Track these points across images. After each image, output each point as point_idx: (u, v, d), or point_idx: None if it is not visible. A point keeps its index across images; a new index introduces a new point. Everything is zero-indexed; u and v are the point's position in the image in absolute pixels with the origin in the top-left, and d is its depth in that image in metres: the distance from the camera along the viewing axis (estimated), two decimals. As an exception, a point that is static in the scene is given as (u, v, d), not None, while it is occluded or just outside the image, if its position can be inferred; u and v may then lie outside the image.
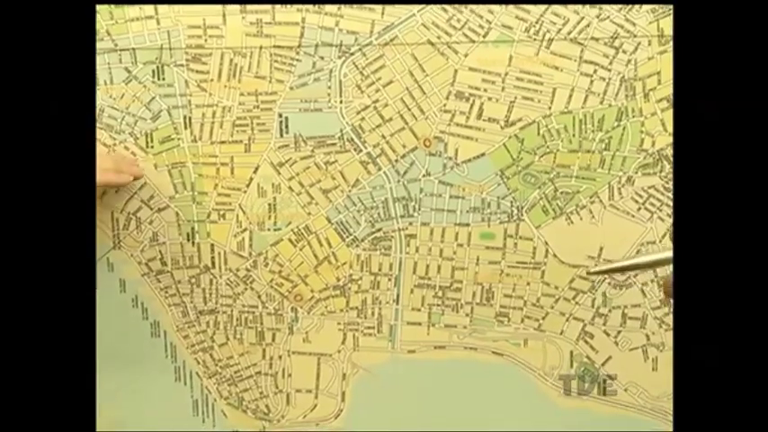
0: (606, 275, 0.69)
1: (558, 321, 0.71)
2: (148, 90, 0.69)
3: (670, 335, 0.70)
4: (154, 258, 0.72)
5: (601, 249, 0.70)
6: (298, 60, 0.69)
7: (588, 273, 0.68)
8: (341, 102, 0.69)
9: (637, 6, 0.67)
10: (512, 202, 0.70)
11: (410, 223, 0.71)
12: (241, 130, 0.70)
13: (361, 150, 0.70)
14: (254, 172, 0.70)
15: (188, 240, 0.71)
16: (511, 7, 0.67)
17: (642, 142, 0.68)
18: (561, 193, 0.69)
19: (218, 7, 0.68)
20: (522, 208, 0.70)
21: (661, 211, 0.69)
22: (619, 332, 0.71)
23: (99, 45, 0.67)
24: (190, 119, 0.69)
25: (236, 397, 0.74)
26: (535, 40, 0.68)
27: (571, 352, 0.72)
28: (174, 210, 0.71)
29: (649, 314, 0.70)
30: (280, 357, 0.73)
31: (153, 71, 0.69)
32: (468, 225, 0.70)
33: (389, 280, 0.71)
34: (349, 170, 0.70)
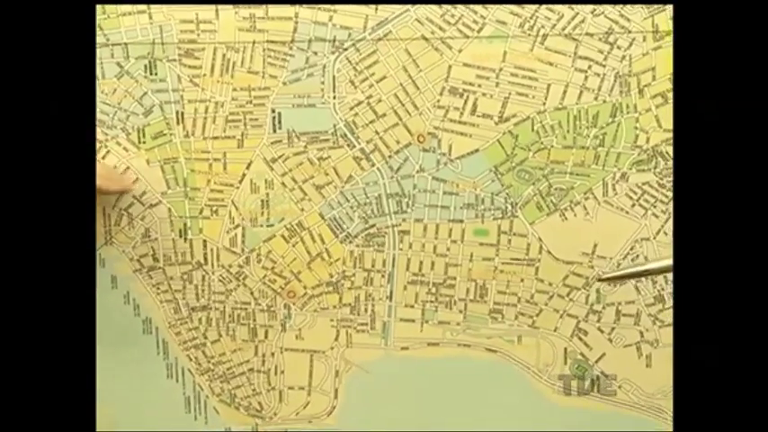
0: (617, 282, 0.69)
1: (551, 318, 0.71)
2: (140, 85, 0.69)
3: (664, 331, 0.70)
4: (146, 254, 0.71)
5: (595, 246, 0.70)
6: (291, 56, 0.68)
7: (599, 279, 0.68)
8: (334, 97, 0.69)
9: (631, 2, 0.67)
10: (506, 198, 0.70)
11: (403, 219, 0.70)
12: (234, 126, 0.69)
13: (354, 146, 0.69)
14: (247, 168, 0.70)
15: (180, 236, 0.71)
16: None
17: (637, 138, 0.68)
18: (555, 189, 0.69)
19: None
20: (515, 204, 0.70)
21: (655, 207, 0.69)
22: (613, 329, 0.71)
23: (91, 39, 0.67)
24: (182, 114, 0.69)
25: (229, 394, 0.73)
26: (529, 35, 0.67)
27: (565, 349, 0.71)
28: (166, 205, 0.70)
29: (643, 311, 0.70)
30: (272, 354, 0.73)
31: (145, 66, 0.68)
32: (461, 221, 0.70)
33: (383, 276, 0.71)
34: (342, 166, 0.70)
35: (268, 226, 0.71)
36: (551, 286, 0.71)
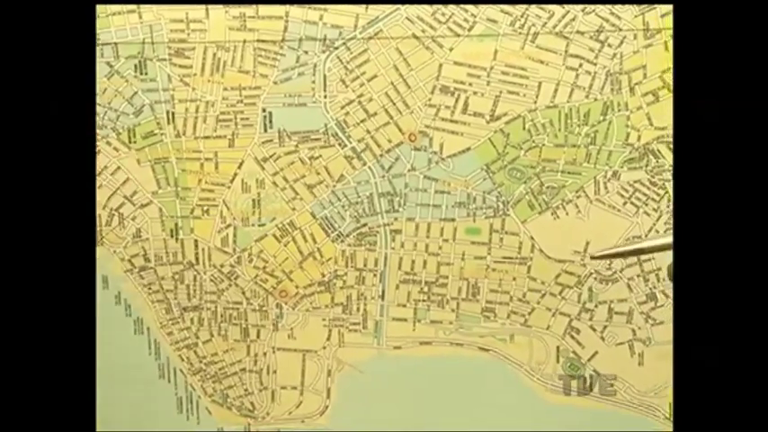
0: (609, 260, 0.69)
1: (544, 316, 0.71)
2: (131, 85, 0.68)
3: (656, 329, 0.70)
4: (137, 254, 0.71)
5: (587, 244, 0.70)
6: (282, 55, 0.68)
7: (591, 257, 0.68)
8: (325, 96, 0.69)
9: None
10: (497, 196, 0.69)
11: (395, 218, 0.70)
12: (225, 125, 0.69)
13: (345, 145, 0.69)
14: (238, 167, 0.70)
15: (171, 236, 0.71)
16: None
17: (628, 136, 0.68)
18: (547, 187, 0.69)
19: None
20: (507, 203, 0.70)
21: (647, 205, 0.69)
22: (605, 327, 0.71)
23: (80, 39, 0.67)
24: (173, 114, 0.69)
25: (221, 394, 0.73)
26: (520, 33, 0.67)
27: (557, 347, 0.71)
28: (157, 205, 0.70)
29: (635, 309, 0.70)
30: (264, 354, 0.72)
31: (135, 66, 0.68)
32: (453, 220, 0.70)
33: (375, 276, 0.71)
34: (333, 165, 0.70)
35: (260, 225, 0.71)
36: (543, 285, 0.71)
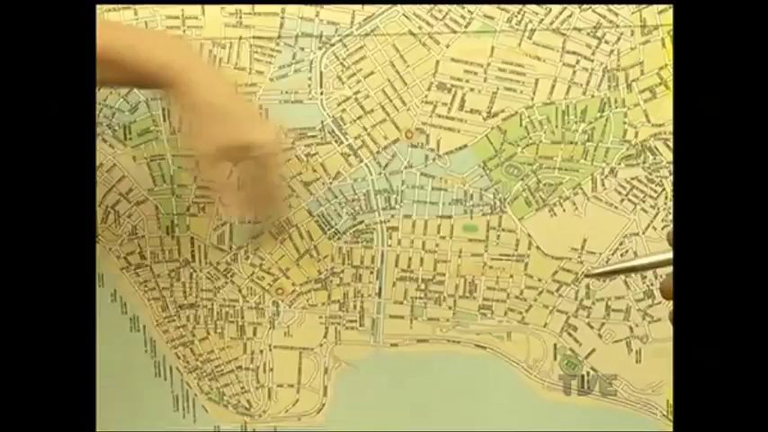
0: (605, 278, 0.69)
1: (541, 314, 0.71)
2: (126, 82, 0.68)
3: (653, 327, 0.70)
4: (133, 252, 0.71)
5: (584, 241, 0.70)
6: (278, 51, 0.68)
7: (586, 275, 0.68)
8: (321, 93, 0.68)
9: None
10: (494, 194, 0.69)
11: (392, 216, 0.70)
12: (221, 122, 0.69)
13: (342, 142, 0.69)
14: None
15: (167, 234, 0.70)
16: (492, -3, 0.67)
17: (625, 133, 0.68)
18: (544, 184, 0.69)
19: (197, -3, 0.67)
20: (504, 200, 0.69)
21: (644, 202, 0.69)
22: (602, 324, 0.71)
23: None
24: (168, 111, 0.69)
25: (217, 392, 0.73)
26: (517, 30, 0.67)
27: (555, 345, 0.71)
28: (153, 203, 0.70)
29: (633, 306, 0.70)
30: (261, 352, 0.72)
31: (131, 62, 0.68)
32: (450, 217, 0.70)
33: (371, 273, 0.71)
34: (330, 162, 0.69)
35: (256, 223, 0.70)
36: (541, 282, 0.70)
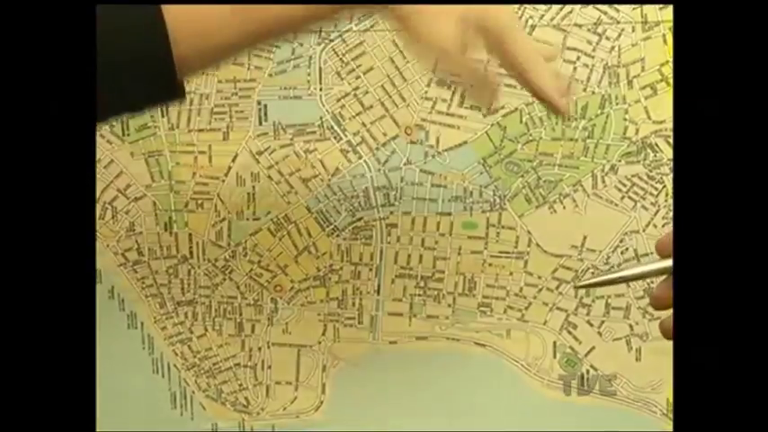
0: (595, 288, 0.68)
1: (541, 312, 0.71)
2: (124, 77, 0.68)
3: (653, 325, 0.70)
4: (130, 248, 0.70)
5: (584, 238, 0.69)
6: (277, 47, 0.68)
7: (576, 286, 0.68)
8: (320, 89, 0.68)
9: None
10: (494, 190, 0.69)
11: (391, 212, 0.70)
12: (219, 118, 0.69)
13: (341, 138, 0.69)
14: (233, 161, 0.69)
15: (165, 230, 0.70)
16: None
17: (626, 130, 0.68)
18: (544, 181, 0.69)
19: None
20: (504, 197, 0.69)
21: (645, 199, 0.68)
22: (602, 322, 0.70)
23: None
24: (167, 106, 0.68)
25: (215, 389, 0.73)
26: (517, 26, 0.67)
27: (554, 342, 0.71)
28: (150, 199, 0.70)
29: (633, 304, 0.70)
30: (259, 349, 0.72)
31: (129, 58, 0.68)
32: (449, 214, 0.69)
33: (370, 270, 0.70)
34: (329, 159, 0.69)
35: (254, 219, 0.70)
36: (540, 279, 0.70)
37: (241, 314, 0.71)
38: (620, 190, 0.68)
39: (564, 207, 0.69)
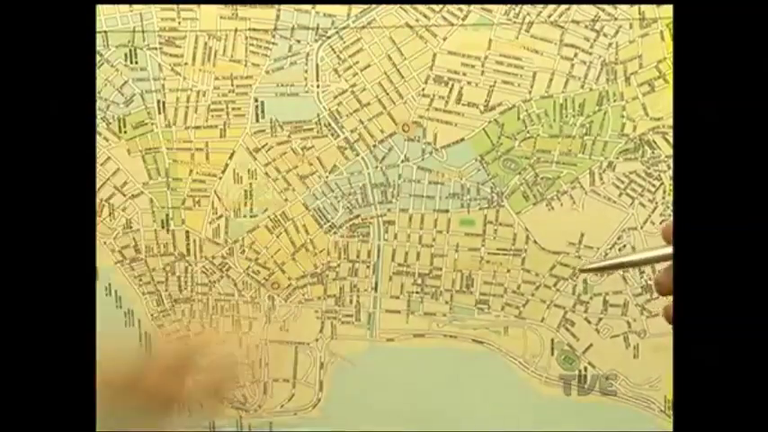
0: (598, 273, 0.68)
1: (538, 309, 0.71)
2: (121, 74, 0.68)
3: (651, 322, 0.70)
4: (127, 246, 0.70)
5: (582, 236, 0.69)
6: (273, 44, 0.68)
7: (580, 270, 0.68)
8: (318, 86, 0.68)
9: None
10: (492, 187, 0.69)
11: (389, 209, 0.70)
12: (216, 115, 0.68)
13: (338, 135, 0.69)
14: (230, 158, 0.69)
15: (162, 227, 0.70)
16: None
17: (623, 127, 0.68)
18: (542, 178, 0.69)
19: (192, -11, 0.67)
20: (502, 194, 0.69)
21: (642, 196, 0.68)
22: (600, 319, 0.70)
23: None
24: (163, 103, 0.68)
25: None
26: (515, 23, 0.67)
27: (552, 339, 0.71)
28: (147, 196, 0.70)
29: (630, 301, 0.70)
30: (256, 346, 0.72)
31: (125, 54, 0.67)
32: (447, 211, 0.69)
33: (368, 267, 0.70)
34: (326, 156, 0.69)
35: (251, 217, 0.70)
36: (538, 276, 0.70)
37: (238, 311, 0.71)
38: (617, 187, 0.68)
39: (561, 204, 0.69)
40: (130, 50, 0.67)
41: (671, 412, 0.71)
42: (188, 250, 0.70)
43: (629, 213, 0.69)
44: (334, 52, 0.68)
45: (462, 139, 0.68)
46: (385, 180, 0.69)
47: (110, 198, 0.69)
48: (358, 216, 0.70)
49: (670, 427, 0.71)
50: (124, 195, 0.70)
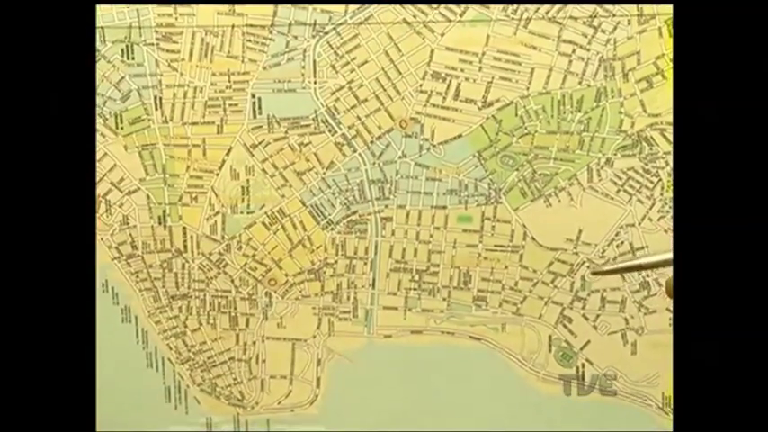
0: (611, 275, 0.68)
1: (536, 305, 0.70)
2: (117, 70, 0.68)
3: (649, 318, 0.70)
4: (124, 242, 0.70)
5: (580, 232, 0.69)
6: (271, 40, 0.67)
7: (592, 273, 0.68)
8: (315, 82, 0.68)
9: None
10: (489, 184, 0.69)
11: (386, 206, 0.69)
12: (213, 111, 0.68)
13: (335, 132, 0.68)
14: (227, 154, 0.69)
15: (159, 224, 0.70)
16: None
17: (621, 123, 0.67)
18: (539, 175, 0.68)
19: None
20: (499, 190, 0.69)
21: (640, 193, 0.68)
22: (597, 316, 0.70)
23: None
24: (160, 99, 0.68)
25: (210, 383, 0.72)
26: (513, 19, 0.66)
27: (549, 336, 0.71)
28: (144, 192, 0.69)
29: (628, 297, 0.70)
30: (254, 343, 0.72)
31: (122, 50, 0.67)
32: (444, 208, 0.69)
33: (365, 264, 0.70)
34: (323, 152, 0.69)
35: (248, 213, 0.70)
36: (536, 273, 0.70)
37: (235, 308, 0.71)
38: (615, 183, 0.68)
39: (559, 200, 0.69)
40: (127, 46, 0.67)
41: (669, 409, 0.71)
42: (185, 247, 0.70)
43: (627, 210, 0.69)
44: (332, 48, 0.67)
45: (460, 136, 0.68)
46: (382, 176, 0.69)
47: (107, 194, 0.69)
48: (355, 212, 0.70)
49: (669, 424, 0.71)
50: (121, 191, 0.69)
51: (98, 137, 0.68)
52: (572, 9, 0.66)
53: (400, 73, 0.68)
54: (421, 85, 0.68)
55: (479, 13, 0.66)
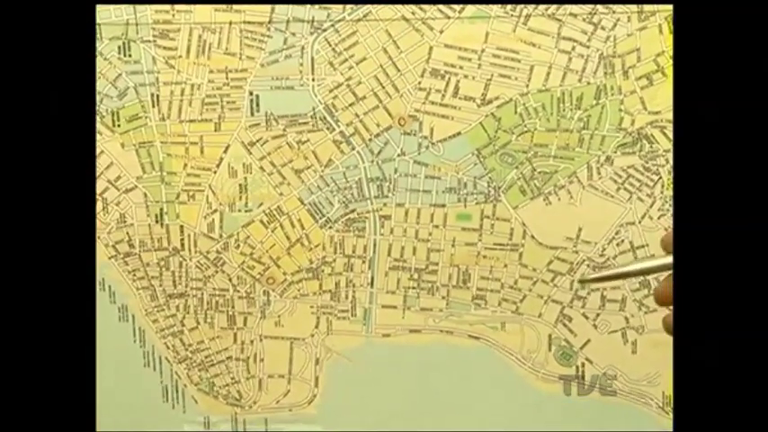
0: (599, 283, 0.68)
1: (535, 304, 0.70)
2: (114, 67, 0.67)
3: (649, 317, 0.69)
4: (121, 240, 0.70)
5: (579, 230, 0.69)
6: (269, 36, 0.67)
7: (580, 281, 0.67)
8: (313, 79, 0.67)
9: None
10: (488, 182, 0.68)
11: (385, 204, 0.69)
12: (211, 109, 0.68)
13: (333, 129, 0.68)
14: (225, 151, 0.69)
15: (156, 222, 0.70)
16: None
17: (621, 121, 0.67)
18: (539, 172, 0.68)
19: (186, -19, 0.66)
20: (499, 188, 0.68)
21: (640, 191, 0.68)
22: (597, 315, 0.70)
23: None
24: (158, 97, 0.68)
25: (207, 382, 0.72)
26: (512, 16, 0.66)
27: (549, 335, 0.70)
28: (141, 190, 0.69)
29: (628, 296, 0.69)
30: (252, 342, 0.71)
31: (119, 47, 0.67)
32: (443, 206, 0.69)
33: (363, 262, 0.70)
34: (322, 150, 0.68)
35: (246, 211, 0.69)
36: (535, 272, 0.70)
37: (233, 307, 0.71)
38: (615, 181, 0.68)
39: (559, 199, 0.68)
40: (124, 43, 0.67)
41: (669, 409, 0.71)
42: (182, 245, 0.70)
43: (627, 208, 0.68)
44: (330, 45, 0.67)
45: (459, 133, 0.68)
46: (381, 174, 0.69)
47: (103, 192, 0.69)
48: (354, 211, 0.69)
49: (670, 424, 0.71)
50: (118, 189, 0.69)
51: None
52: (571, 6, 0.66)
53: (399, 70, 0.67)
54: (420, 83, 0.67)
55: (478, 9, 0.66)
